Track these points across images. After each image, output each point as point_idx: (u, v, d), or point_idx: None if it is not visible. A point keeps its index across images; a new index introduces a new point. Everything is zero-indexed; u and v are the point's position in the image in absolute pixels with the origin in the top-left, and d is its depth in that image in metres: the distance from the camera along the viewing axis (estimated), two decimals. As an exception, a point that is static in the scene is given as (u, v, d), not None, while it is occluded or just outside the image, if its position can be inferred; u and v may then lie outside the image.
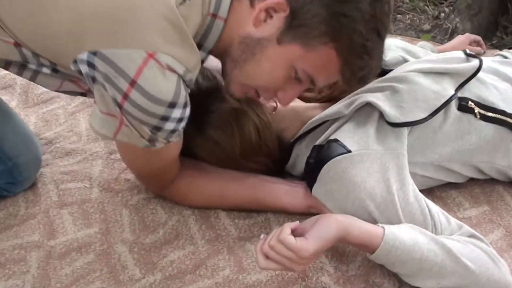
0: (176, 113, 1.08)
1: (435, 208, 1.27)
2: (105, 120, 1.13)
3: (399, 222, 1.22)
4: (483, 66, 1.45)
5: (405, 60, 1.55)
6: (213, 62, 1.29)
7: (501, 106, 1.42)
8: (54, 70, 1.18)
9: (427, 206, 1.25)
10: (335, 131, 1.36)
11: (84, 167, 1.58)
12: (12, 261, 1.30)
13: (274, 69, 1.16)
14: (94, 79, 1.06)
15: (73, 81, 1.22)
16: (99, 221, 1.41)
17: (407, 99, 1.34)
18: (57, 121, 1.79)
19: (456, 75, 1.43)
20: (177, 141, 1.21)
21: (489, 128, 1.40)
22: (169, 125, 1.10)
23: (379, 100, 1.33)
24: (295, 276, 1.24)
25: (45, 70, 1.18)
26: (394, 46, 1.64)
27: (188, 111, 1.12)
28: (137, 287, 1.24)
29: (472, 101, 1.41)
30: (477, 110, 1.40)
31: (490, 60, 1.60)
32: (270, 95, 1.23)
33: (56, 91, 1.27)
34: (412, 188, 1.26)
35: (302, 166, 1.40)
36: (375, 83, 1.41)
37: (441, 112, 1.37)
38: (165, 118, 1.08)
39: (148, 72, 1.02)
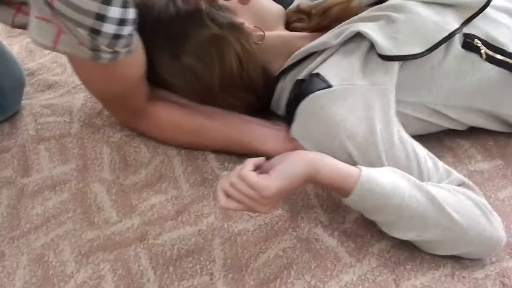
0: (114, 12, 0.97)
1: (422, 152, 1.14)
2: (40, 27, 1.03)
3: (381, 165, 1.10)
4: (495, 2, 1.30)
5: None
6: None
7: (511, 47, 1.27)
8: None
9: (414, 149, 1.13)
10: (320, 63, 1.22)
11: (65, 101, 1.47)
12: (-20, 197, 1.21)
13: None
14: None
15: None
16: (77, 157, 1.30)
17: (403, 30, 1.20)
18: (41, 51, 1.67)
19: (462, 8, 1.27)
20: (135, 58, 1.13)
21: (495, 72, 1.25)
22: (108, 28, 0.99)
23: (371, 29, 1.19)
24: (285, 226, 1.13)
25: None
26: None
27: (131, 13, 1.02)
28: (112, 231, 1.14)
29: (480, 39, 1.25)
30: (483, 49, 1.24)
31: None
32: None
33: None
34: (398, 129, 1.14)
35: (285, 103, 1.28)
36: (369, 12, 1.27)
37: (442, 48, 1.22)
38: (101, 18, 0.97)
39: None
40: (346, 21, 1.26)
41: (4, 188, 1.23)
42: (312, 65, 1.23)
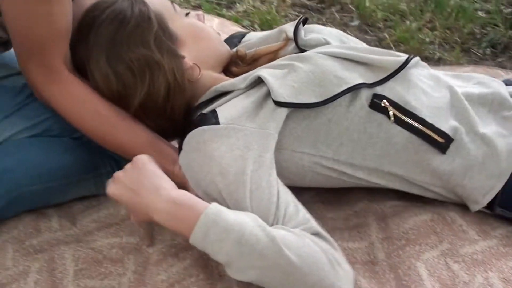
0: None
1: (285, 197, 1.15)
2: None
3: (245, 206, 1.12)
4: (424, 72, 1.32)
5: (327, 43, 1.36)
6: None
7: (423, 113, 1.24)
8: None
9: (278, 193, 1.13)
10: (224, 103, 1.25)
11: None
12: (110, 260, 1.27)
13: None
14: None
15: None
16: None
17: (303, 80, 1.21)
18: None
19: (377, 68, 1.26)
20: (64, 5, 1.18)
21: (402, 136, 1.23)
22: None
23: (272, 76, 1.21)
24: None
25: None
26: (328, 32, 1.44)
27: None
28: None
29: (388, 100, 1.23)
30: (392, 111, 1.23)
31: (442, 73, 1.42)
32: None
33: None
34: (270, 173, 1.14)
35: None
36: (280, 60, 1.28)
37: (343, 104, 1.22)
38: None
39: None
40: (258, 67, 1.29)
41: (131, 254, 1.29)
42: (218, 102, 1.26)
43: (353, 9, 2.62)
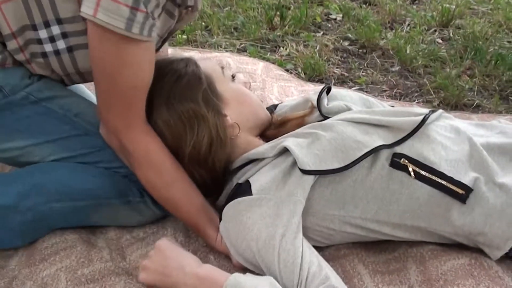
0: None
1: (310, 258, 1.23)
2: None
3: (274, 268, 1.22)
4: (446, 125, 1.39)
5: (348, 109, 1.46)
6: None
7: (442, 167, 1.30)
8: None
9: (302, 255, 1.22)
10: (256, 171, 1.37)
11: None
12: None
13: None
14: None
15: None
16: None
17: (326, 147, 1.31)
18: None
19: (395, 130, 1.35)
20: (150, 57, 1.32)
21: (424, 190, 1.30)
22: None
23: (297, 146, 1.32)
24: None
25: None
26: (349, 98, 1.55)
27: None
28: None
29: (407, 158, 1.31)
30: (411, 168, 1.30)
31: (467, 122, 1.49)
32: None
33: None
34: (295, 236, 1.24)
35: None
36: (304, 129, 1.39)
37: (365, 165, 1.31)
38: None
39: None
40: (285, 135, 1.39)
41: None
42: (251, 171, 1.38)
43: (394, 55, 2.67)
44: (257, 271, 1.30)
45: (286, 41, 2.83)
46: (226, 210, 1.35)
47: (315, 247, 1.30)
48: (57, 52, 1.40)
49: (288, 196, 1.28)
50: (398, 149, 1.33)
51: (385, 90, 2.38)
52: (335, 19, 3.14)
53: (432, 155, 1.32)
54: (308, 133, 1.36)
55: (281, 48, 2.76)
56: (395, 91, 2.37)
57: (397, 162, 1.31)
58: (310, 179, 1.29)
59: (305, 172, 1.28)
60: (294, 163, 1.32)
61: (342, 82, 2.44)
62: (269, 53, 2.72)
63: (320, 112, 1.48)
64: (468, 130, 1.43)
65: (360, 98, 1.57)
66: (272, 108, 1.65)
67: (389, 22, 3.07)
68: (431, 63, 2.57)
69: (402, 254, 1.40)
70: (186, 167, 1.41)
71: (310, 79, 2.42)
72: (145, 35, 1.26)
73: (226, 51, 2.65)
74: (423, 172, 1.30)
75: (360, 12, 3.14)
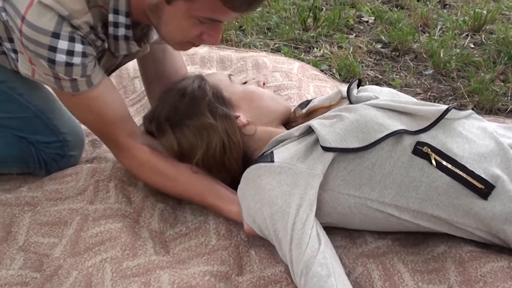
0: (62, 44, 1.31)
1: (320, 231, 1.31)
2: (21, 59, 1.41)
3: (286, 232, 1.28)
4: (475, 123, 1.41)
5: (377, 98, 1.50)
6: None
7: (464, 160, 1.32)
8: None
9: (313, 227, 1.28)
10: (281, 147, 1.44)
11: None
12: (203, 287, 1.35)
13: (179, 24, 1.36)
14: (7, 22, 1.37)
15: None
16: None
17: (348, 127, 1.36)
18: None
19: (419, 118, 1.38)
20: (109, 98, 1.49)
21: (443, 180, 1.32)
22: (60, 57, 1.32)
23: (321, 125, 1.38)
24: None
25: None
26: (379, 90, 1.59)
27: (78, 47, 1.34)
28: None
29: (430, 146, 1.33)
30: (433, 156, 1.32)
31: (495, 125, 1.51)
32: (198, 41, 1.42)
33: None
34: (310, 208, 1.30)
35: None
36: (330, 112, 1.46)
37: (386, 149, 1.34)
38: (52, 49, 1.30)
39: (34, 9, 1.29)
40: (313, 118, 1.46)
41: (221, 282, 1.37)
42: (276, 146, 1.47)
43: (427, 58, 2.68)
44: (262, 235, 1.38)
45: (319, 42, 2.85)
46: (247, 173, 1.43)
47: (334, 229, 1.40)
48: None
49: (308, 169, 1.33)
50: (423, 137, 1.36)
51: (419, 93, 2.38)
52: (367, 21, 3.15)
53: (456, 147, 1.35)
54: (333, 115, 1.43)
55: (315, 49, 2.78)
56: (429, 94, 2.38)
57: (420, 150, 1.34)
58: (330, 156, 1.34)
59: (326, 149, 1.34)
60: (317, 140, 1.37)
61: (376, 84, 2.45)
62: (303, 53, 2.74)
63: (349, 101, 1.52)
64: (496, 130, 1.44)
65: (390, 92, 1.60)
66: (305, 103, 1.70)
67: (421, 25, 3.07)
68: (464, 67, 2.58)
69: (441, 254, 1.42)
70: (202, 168, 1.53)
71: (345, 80, 2.44)
72: (81, 90, 1.42)
73: (261, 51, 2.68)
74: (444, 162, 1.32)
75: (392, 15, 3.15)
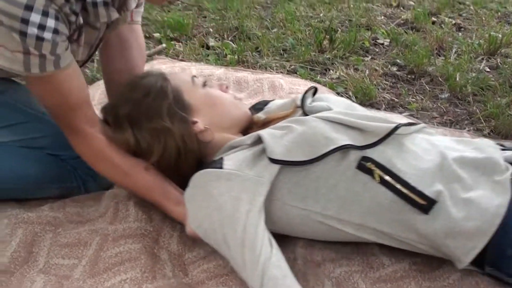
0: (35, 17, 1.29)
1: (268, 236, 1.33)
2: None
3: (235, 237, 1.32)
4: (423, 136, 1.44)
5: (329, 109, 1.52)
6: None
7: (407, 176, 1.34)
8: None
9: (263, 233, 1.32)
10: (232, 153, 1.46)
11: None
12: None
13: None
14: None
15: None
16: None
17: (295, 140, 1.38)
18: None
19: (368, 133, 1.40)
20: (74, 80, 1.47)
21: (386, 196, 1.34)
22: (32, 30, 1.29)
23: (270, 135, 1.41)
24: None
25: None
26: (335, 100, 1.63)
27: (51, 22, 1.31)
28: None
29: (374, 162, 1.35)
30: (377, 172, 1.34)
31: (448, 139, 1.54)
32: None
33: None
34: (259, 215, 1.33)
35: None
36: (282, 123, 1.47)
37: (331, 163, 1.36)
38: (25, 21, 1.28)
39: None
40: (266, 128, 1.48)
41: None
42: (227, 153, 1.48)
43: (443, 81, 2.69)
44: (206, 240, 1.42)
45: (335, 64, 2.87)
46: (195, 177, 1.45)
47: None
48: None
49: (256, 176, 1.37)
50: (368, 152, 1.38)
51: (435, 117, 2.39)
52: (383, 43, 3.17)
53: (400, 163, 1.37)
54: (284, 126, 1.45)
55: (331, 71, 2.80)
56: (445, 118, 2.39)
57: (364, 165, 1.36)
58: (276, 167, 1.37)
59: (273, 160, 1.37)
60: (265, 149, 1.40)
61: (392, 107, 2.46)
62: (319, 75, 2.75)
63: (303, 110, 1.56)
64: (447, 144, 1.48)
65: (345, 103, 1.63)
66: (261, 107, 1.74)
67: (436, 48, 3.09)
68: (480, 91, 2.59)
69: (457, 280, 1.43)
70: (159, 171, 1.56)
71: (361, 103, 2.45)
72: (48, 71, 1.40)
73: (277, 72, 2.70)
74: (387, 178, 1.35)
75: (408, 38, 3.17)
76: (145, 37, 3.17)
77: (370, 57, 3.00)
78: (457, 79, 2.66)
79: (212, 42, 3.12)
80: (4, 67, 1.40)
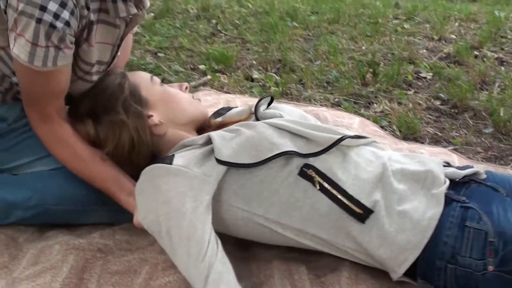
0: (52, 6, 1.36)
1: (214, 234, 1.38)
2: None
3: (176, 233, 1.36)
4: (370, 149, 1.48)
5: (281, 117, 1.56)
6: None
7: (347, 185, 1.38)
8: None
9: (210, 230, 1.37)
10: (183, 152, 1.50)
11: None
12: None
13: None
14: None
15: None
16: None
17: (243, 143, 1.44)
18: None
19: (313, 143, 1.44)
20: (65, 75, 1.53)
21: (325, 203, 1.38)
22: (47, 17, 1.36)
23: (220, 136, 1.47)
24: None
25: None
26: (289, 110, 1.67)
27: (65, 14, 1.38)
28: None
29: (315, 170, 1.40)
30: (317, 179, 1.38)
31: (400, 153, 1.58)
32: None
33: None
34: (207, 211, 1.38)
35: None
36: (233, 126, 1.53)
37: (275, 168, 1.41)
38: (43, 8, 1.34)
39: None
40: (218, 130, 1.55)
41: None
42: (179, 151, 1.53)
43: (487, 116, 2.69)
44: (150, 231, 1.46)
45: (379, 97, 2.89)
46: (146, 170, 1.49)
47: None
48: None
49: (203, 174, 1.41)
50: (311, 160, 1.43)
51: (479, 152, 2.38)
52: (425, 77, 3.18)
53: (341, 172, 1.42)
54: (234, 129, 1.51)
55: (375, 104, 2.82)
56: (489, 153, 2.38)
57: (305, 172, 1.42)
58: (223, 168, 1.42)
59: (219, 161, 1.41)
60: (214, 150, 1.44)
61: (436, 141, 2.46)
62: (363, 108, 2.78)
63: (256, 117, 1.62)
64: (392, 157, 1.53)
65: (299, 113, 1.70)
66: (223, 112, 1.80)
67: (479, 82, 3.09)
68: (525, 127, 2.57)
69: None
70: (114, 162, 1.61)
71: (405, 137, 2.46)
72: (49, 67, 1.46)
73: (321, 105, 2.73)
74: (326, 185, 1.40)
75: (450, 71, 3.17)
76: (191, 68, 3.25)
77: (413, 90, 3.01)
78: (501, 113, 2.65)
79: (255, 74, 3.17)
80: (14, 54, 1.46)
